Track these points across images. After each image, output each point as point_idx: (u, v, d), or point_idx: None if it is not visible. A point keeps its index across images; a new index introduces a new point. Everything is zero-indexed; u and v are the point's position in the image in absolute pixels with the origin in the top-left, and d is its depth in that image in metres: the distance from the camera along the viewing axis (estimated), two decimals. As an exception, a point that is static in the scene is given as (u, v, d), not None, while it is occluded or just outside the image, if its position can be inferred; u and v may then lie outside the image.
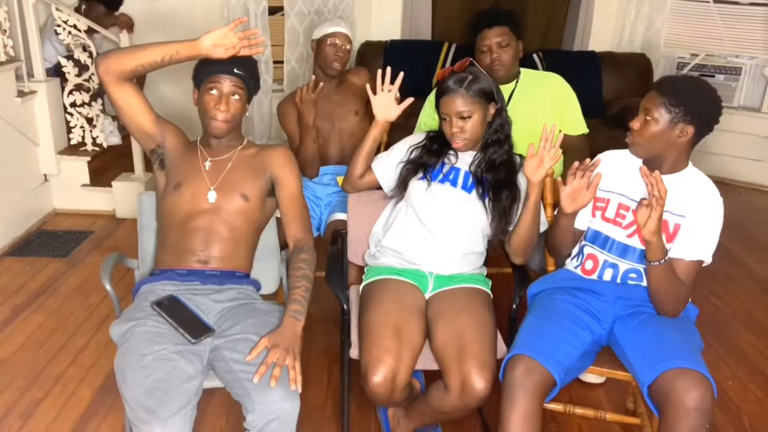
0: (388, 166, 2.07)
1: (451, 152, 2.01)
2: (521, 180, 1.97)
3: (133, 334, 1.65)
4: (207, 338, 1.69)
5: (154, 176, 1.94)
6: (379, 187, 2.11)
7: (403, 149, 2.06)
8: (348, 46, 2.62)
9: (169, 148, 1.90)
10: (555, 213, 1.95)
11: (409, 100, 2.05)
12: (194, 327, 1.69)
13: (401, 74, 2.06)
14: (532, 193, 1.86)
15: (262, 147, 1.97)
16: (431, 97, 2.49)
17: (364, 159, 2.09)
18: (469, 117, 1.89)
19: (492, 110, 1.94)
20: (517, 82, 2.46)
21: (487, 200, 1.94)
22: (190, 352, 1.63)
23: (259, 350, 1.60)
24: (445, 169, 1.99)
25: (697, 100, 1.72)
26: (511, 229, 1.95)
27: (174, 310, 1.72)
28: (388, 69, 2.04)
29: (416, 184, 1.98)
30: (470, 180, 1.97)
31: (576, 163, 1.83)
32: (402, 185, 2.02)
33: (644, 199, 1.69)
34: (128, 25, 4.22)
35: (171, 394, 1.51)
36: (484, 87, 1.90)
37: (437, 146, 2.01)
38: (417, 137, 2.08)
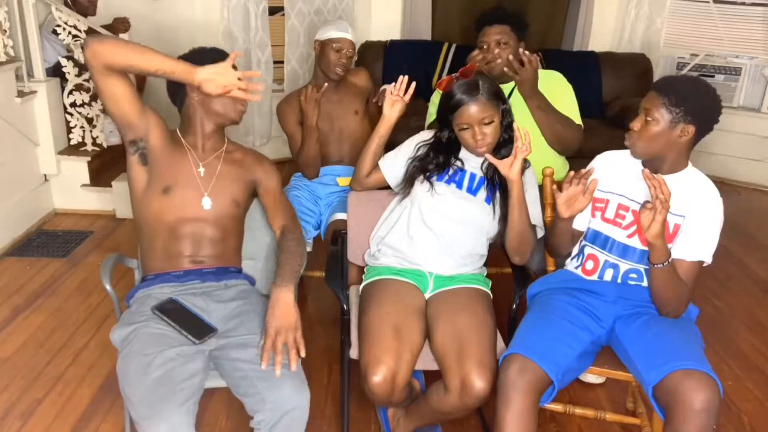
0: (396, 165, 2.07)
1: (458, 160, 2.00)
2: (527, 180, 1.96)
3: (136, 336, 1.66)
4: (210, 338, 1.69)
5: (129, 168, 1.79)
6: (386, 186, 2.11)
7: (411, 146, 2.06)
8: (351, 52, 2.62)
9: (153, 145, 1.77)
10: (554, 214, 1.95)
11: (413, 86, 2.04)
12: (197, 327, 1.70)
13: (413, 85, 2.05)
14: (513, 189, 1.86)
15: (240, 150, 1.94)
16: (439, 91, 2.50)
17: (371, 157, 2.10)
18: (491, 122, 1.88)
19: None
20: (516, 81, 2.47)
21: (494, 201, 1.94)
22: (193, 351, 1.64)
23: (269, 349, 1.62)
24: (451, 170, 1.99)
25: (698, 99, 1.72)
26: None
27: (175, 312, 1.72)
28: (406, 78, 2.04)
29: (422, 184, 1.98)
30: (476, 182, 1.97)
31: (572, 172, 1.84)
32: (409, 182, 2.02)
33: (648, 202, 1.68)
34: (123, 27, 4.19)
35: (174, 390, 1.51)
36: (496, 89, 1.91)
37: (443, 154, 1.99)
38: (425, 134, 2.08)
